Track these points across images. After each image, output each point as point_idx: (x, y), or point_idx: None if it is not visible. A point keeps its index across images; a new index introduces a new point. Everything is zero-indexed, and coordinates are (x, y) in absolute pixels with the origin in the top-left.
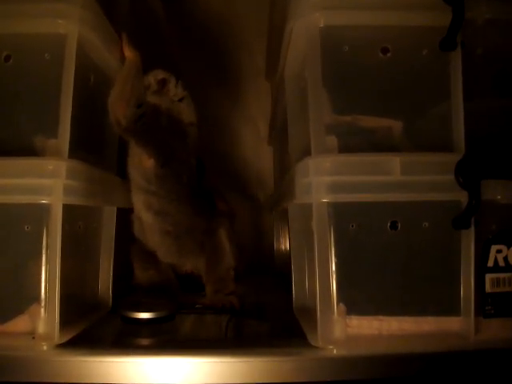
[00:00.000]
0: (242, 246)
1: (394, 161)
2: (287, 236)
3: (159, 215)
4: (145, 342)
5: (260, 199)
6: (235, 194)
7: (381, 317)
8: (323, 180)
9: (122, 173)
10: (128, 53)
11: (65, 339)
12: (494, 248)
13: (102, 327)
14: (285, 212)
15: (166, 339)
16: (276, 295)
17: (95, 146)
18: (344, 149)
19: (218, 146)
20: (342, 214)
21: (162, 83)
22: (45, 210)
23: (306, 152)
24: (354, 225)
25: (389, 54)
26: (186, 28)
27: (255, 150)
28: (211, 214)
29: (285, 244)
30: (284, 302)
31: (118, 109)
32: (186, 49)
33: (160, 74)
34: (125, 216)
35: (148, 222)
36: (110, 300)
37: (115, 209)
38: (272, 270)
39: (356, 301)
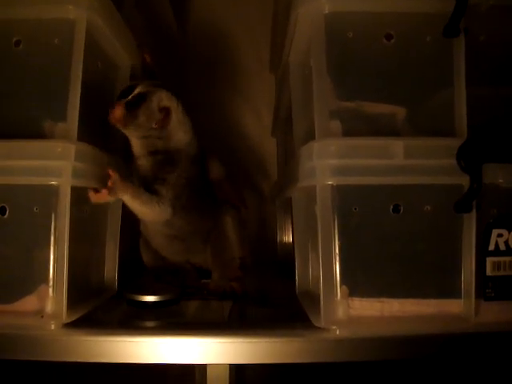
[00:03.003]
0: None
1: (398, 145)
2: (290, 226)
3: (166, 225)
4: (150, 323)
5: (263, 190)
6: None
7: (383, 299)
8: (327, 163)
9: (128, 158)
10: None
11: (72, 319)
12: (495, 232)
13: (108, 310)
14: (288, 202)
15: (171, 321)
16: (278, 284)
17: (102, 130)
18: (348, 134)
19: (222, 137)
20: (345, 197)
21: (165, 113)
22: (53, 192)
23: (310, 137)
24: (357, 208)
25: (393, 41)
26: (191, 21)
27: (259, 141)
28: (217, 205)
29: (287, 234)
30: (286, 291)
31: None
32: (191, 42)
33: (164, 100)
34: None
35: (154, 229)
36: (116, 284)
37: None
38: (274, 259)
39: (358, 283)
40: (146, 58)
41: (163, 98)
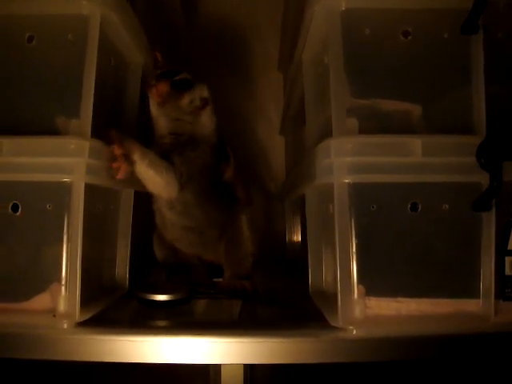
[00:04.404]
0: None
1: (416, 142)
2: (299, 225)
3: (182, 214)
4: (162, 322)
5: (271, 189)
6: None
7: (400, 298)
8: (345, 161)
9: None
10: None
11: (84, 318)
12: None
13: (120, 308)
14: (297, 201)
15: (183, 320)
16: (287, 283)
17: (114, 128)
18: (363, 132)
19: (230, 135)
20: (362, 195)
21: (204, 103)
22: (67, 189)
23: (324, 135)
24: (374, 206)
25: (410, 38)
26: (199, 18)
27: (267, 139)
28: (232, 202)
29: (296, 233)
30: (295, 290)
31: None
32: (198, 39)
33: (205, 91)
34: (142, 199)
35: (171, 220)
36: (127, 282)
37: (133, 191)
38: (283, 259)
39: (375, 282)
40: (157, 56)
41: (205, 90)
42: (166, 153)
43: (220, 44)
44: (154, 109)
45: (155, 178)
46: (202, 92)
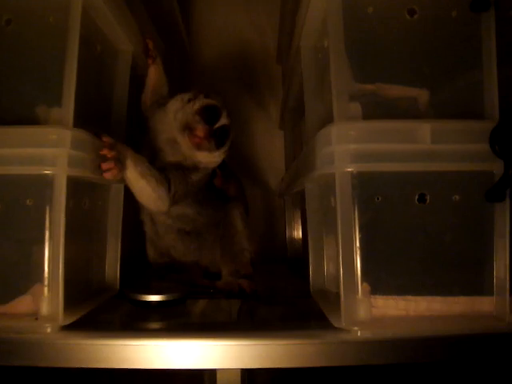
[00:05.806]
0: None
1: (424, 128)
2: (299, 221)
3: (177, 218)
4: (154, 325)
5: (271, 185)
6: (245, 180)
7: (408, 296)
8: (347, 148)
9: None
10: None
11: (69, 321)
12: None
13: (110, 310)
14: (297, 196)
15: (177, 322)
16: (288, 282)
17: (102, 119)
18: (367, 119)
19: None
20: (366, 186)
21: (230, 145)
22: (48, 182)
23: (325, 123)
24: (379, 197)
25: (416, 16)
26: (195, 14)
27: (266, 134)
28: (225, 199)
29: (297, 229)
30: (296, 289)
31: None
32: (197, 35)
33: (233, 134)
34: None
35: (165, 224)
36: (118, 282)
37: (123, 186)
38: (283, 256)
39: (381, 280)
40: (148, 43)
41: (233, 132)
42: (164, 166)
43: (218, 38)
44: (170, 131)
45: (146, 189)
46: (232, 136)
